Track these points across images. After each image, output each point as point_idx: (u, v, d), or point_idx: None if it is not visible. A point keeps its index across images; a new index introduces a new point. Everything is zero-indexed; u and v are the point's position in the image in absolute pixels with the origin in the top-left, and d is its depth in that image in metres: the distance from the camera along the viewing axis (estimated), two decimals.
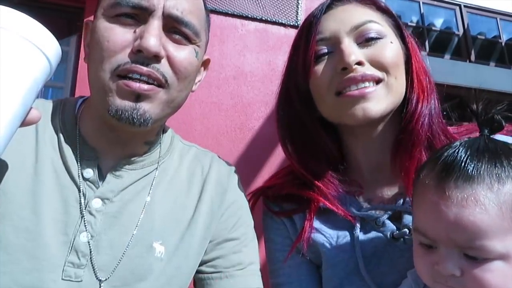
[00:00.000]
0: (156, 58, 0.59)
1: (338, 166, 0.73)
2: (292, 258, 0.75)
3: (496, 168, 0.50)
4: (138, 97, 0.58)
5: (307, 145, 0.75)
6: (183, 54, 0.62)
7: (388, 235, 0.66)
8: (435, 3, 4.55)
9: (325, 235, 0.70)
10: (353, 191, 0.72)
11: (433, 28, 4.56)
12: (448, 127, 0.76)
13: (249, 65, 2.96)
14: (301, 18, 3.19)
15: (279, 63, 3.04)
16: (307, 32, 0.72)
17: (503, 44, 4.73)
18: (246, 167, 2.55)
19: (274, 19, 3.09)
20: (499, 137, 0.62)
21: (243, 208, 0.77)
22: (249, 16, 3.03)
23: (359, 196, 0.73)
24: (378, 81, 0.66)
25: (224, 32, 2.96)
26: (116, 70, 0.58)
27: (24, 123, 0.46)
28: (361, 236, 0.68)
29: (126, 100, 0.58)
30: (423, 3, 4.52)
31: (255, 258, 0.74)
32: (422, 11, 4.52)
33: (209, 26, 0.72)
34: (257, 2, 3.08)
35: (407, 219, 0.67)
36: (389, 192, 0.72)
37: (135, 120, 0.58)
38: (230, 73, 2.88)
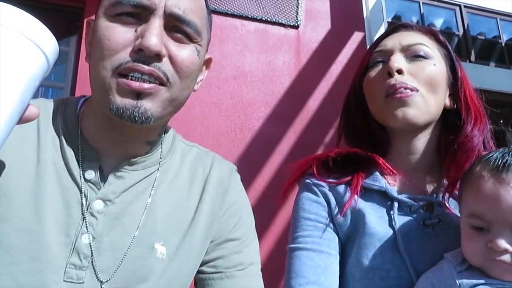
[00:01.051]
0: (158, 57, 0.58)
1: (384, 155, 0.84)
2: (325, 229, 0.80)
3: None
4: (139, 95, 0.58)
5: (360, 139, 0.87)
6: (184, 52, 0.61)
7: (420, 221, 0.75)
8: (435, 3, 4.55)
9: (366, 207, 0.79)
10: (389, 183, 0.81)
11: (433, 28, 4.56)
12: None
13: (249, 65, 2.96)
14: (301, 18, 3.19)
15: (279, 63, 3.04)
16: (372, 45, 0.86)
17: (503, 44, 4.73)
18: (246, 167, 2.55)
19: (274, 19, 3.09)
20: None
21: (244, 208, 0.77)
22: (249, 16, 3.03)
23: (393, 187, 0.82)
24: (414, 89, 0.76)
25: (224, 32, 2.96)
26: (117, 69, 0.58)
27: (22, 120, 0.45)
28: (398, 216, 0.76)
29: (127, 98, 0.58)
30: (423, 3, 4.52)
31: (256, 259, 0.74)
32: (422, 11, 4.52)
33: (211, 25, 0.72)
34: (257, 2, 3.08)
35: (438, 210, 0.77)
36: (422, 188, 0.81)
37: (136, 118, 0.58)
38: (230, 73, 2.88)
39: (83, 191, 0.61)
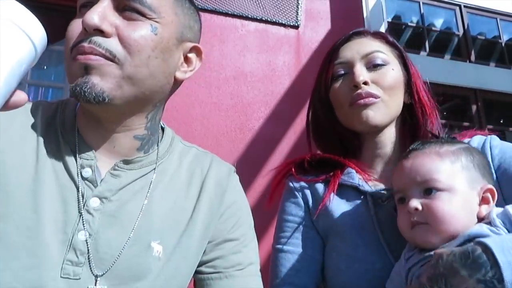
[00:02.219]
0: (101, 33, 0.59)
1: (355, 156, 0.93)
2: (302, 230, 0.87)
3: (439, 145, 0.75)
4: (86, 68, 0.59)
5: (330, 142, 0.95)
6: (133, 28, 0.61)
7: (393, 210, 0.80)
8: (435, 3, 4.55)
9: (343, 202, 0.86)
10: (364, 179, 0.89)
11: (433, 28, 4.55)
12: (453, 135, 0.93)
13: (249, 65, 2.95)
14: (301, 18, 3.19)
15: (279, 63, 3.04)
16: (330, 57, 0.93)
17: (503, 44, 4.73)
18: (246, 167, 2.55)
19: (274, 19, 3.09)
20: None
21: (242, 209, 0.77)
22: (249, 16, 3.03)
23: (368, 182, 0.89)
24: (377, 97, 0.85)
25: (224, 32, 2.95)
26: (71, 54, 0.61)
27: (9, 105, 0.46)
28: (372, 207, 0.82)
29: (76, 76, 0.59)
30: (423, 3, 4.52)
31: (255, 259, 0.75)
32: (422, 11, 4.51)
33: (185, 5, 0.70)
34: (257, 2, 3.08)
35: None
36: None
37: (87, 94, 0.58)
38: (230, 73, 2.88)
39: (80, 189, 0.62)
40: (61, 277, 0.57)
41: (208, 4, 2.93)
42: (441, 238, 0.67)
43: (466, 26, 4.54)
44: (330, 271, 0.82)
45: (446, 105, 4.55)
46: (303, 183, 0.91)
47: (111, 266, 0.60)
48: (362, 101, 0.84)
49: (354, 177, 0.87)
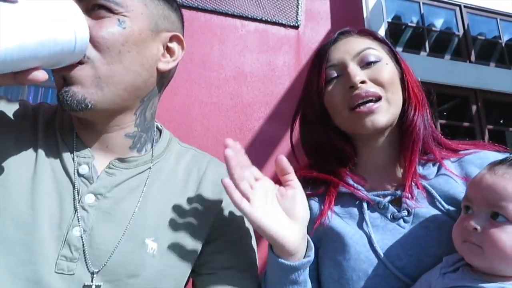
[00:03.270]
0: None
1: (349, 166, 0.88)
2: None
3: None
4: (64, 79, 0.60)
5: (323, 151, 0.90)
6: (100, 25, 0.61)
7: (389, 216, 0.79)
8: (435, 3, 4.55)
9: (337, 209, 0.83)
10: (359, 182, 0.85)
11: (433, 28, 4.55)
12: (456, 141, 0.90)
13: (249, 66, 2.96)
14: (301, 18, 3.19)
15: (279, 63, 3.04)
16: (319, 61, 0.88)
17: (503, 44, 4.73)
18: None
19: (274, 20, 3.09)
20: (490, 154, 0.82)
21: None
22: (249, 16, 3.03)
23: (364, 187, 0.86)
24: (379, 97, 0.81)
25: (224, 32, 2.96)
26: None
27: (29, 78, 0.50)
28: (368, 215, 0.80)
29: (59, 87, 0.62)
30: (423, 3, 4.52)
31: (253, 259, 0.74)
32: (422, 11, 4.51)
33: None
34: (257, 2, 3.08)
35: (406, 203, 0.79)
36: (389, 185, 0.85)
37: (69, 103, 0.60)
38: (230, 74, 2.88)
39: (76, 186, 0.63)
40: (55, 272, 0.58)
41: (208, 4, 2.93)
42: (490, 267, 0.63)
43: (466, 26, 4.54)
44: (325, 279, 0.79)
45: (446, 105, 4.56)
46: None
47: (106, 263, 0.61)
48: (366, 108, 0.79)
49: (350, 182, 0.84)
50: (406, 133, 0.84)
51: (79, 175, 0.64)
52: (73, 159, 0.65)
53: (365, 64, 0.83)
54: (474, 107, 4.29)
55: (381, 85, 0.81)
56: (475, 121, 4.28)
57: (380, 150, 0.86)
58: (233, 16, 3.00)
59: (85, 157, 0.66)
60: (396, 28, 4.38)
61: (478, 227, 0.63)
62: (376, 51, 0.84)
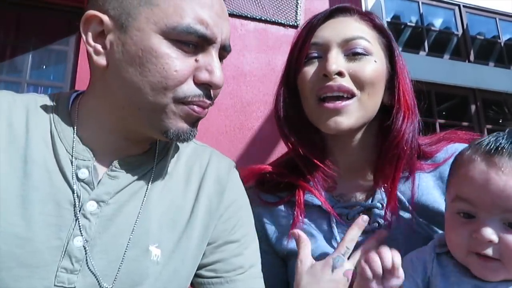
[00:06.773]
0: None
1: (324, 160, 0.80)
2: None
3: None
4: (197, 121, 0.62)
5: (301, 136, 0.81)
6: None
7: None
8: (434, 3, 4.55)
9: (306, 222, 0.78)
10: (329, 187, 0.79)
11: (432, 28, 4.56)
12: (422, 137, 0.82)
13: (248, 65, 2.96)
14: (301, 18, 3.19)
15: (279, 63, 3.04)
16: (306, 34, 0.79)
17: (502, 44, 4.74)
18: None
19: (273, 19, 3.09)
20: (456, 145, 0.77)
21: (243, 208, 0.74)
22: (249, 16, 3.03)
23: (333, 191, 0.80)
24: (351, 95, 0.72)
25: None
26: (181, 99, 0.58)
27: None
28: (336, 227, 0.75)
29: (186, 123, 0.60)
30: (422, 3, 4.52)
31: (257, 260, 0.72)
32: (421, 11, 4.52)
33: None
34: (256, 2, 3.08)
35: (376, 214, 0.74)
36: (360, 190, 0.79)
37: (188, 141, 0.62)
38: (229, 73, 2.88)
39: (75, 192, 0.58)
40: (55, 285, 0.54)
41: None
42: (506, 277, 0.57)
43: (465, 26, 4.55)
44: None
45: (445, 105, 4.56)
46: (260, 209, 0.80)
47: (109, 273, 0.58)
48: (332, 105, 0.71)
49: (317, 188, 0.78)
50: (391, 146, 0.75)
51: (79, 179, 0.59)
52: (71, 160, 0.59)
53: (351, 54, 0.73)
54: (473, 107, 4.30)
55: (359, 83, 0.72)
56: (474, 120, 4.29)
57: (352, 151, 0.79)
58: (232, 15, 3.00)
59: (84, 159, 0.60)
60: (395, 28, 4.38)
61: (496, 239, 0.55)
62: (367, 43, 0.74)
